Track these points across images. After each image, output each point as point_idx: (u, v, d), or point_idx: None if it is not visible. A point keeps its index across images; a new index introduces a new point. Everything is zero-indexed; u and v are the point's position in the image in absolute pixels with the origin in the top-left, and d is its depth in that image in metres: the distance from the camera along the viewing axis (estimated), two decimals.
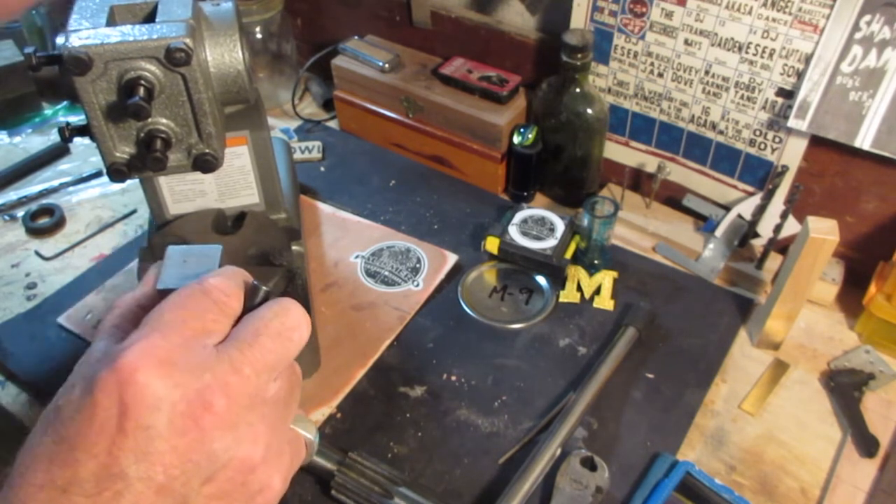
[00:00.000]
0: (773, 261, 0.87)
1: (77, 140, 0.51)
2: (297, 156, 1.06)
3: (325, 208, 0.98)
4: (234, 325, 0.36)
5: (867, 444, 0.70)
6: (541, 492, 0.67)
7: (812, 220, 0.69)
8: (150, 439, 0.31)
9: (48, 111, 1.16)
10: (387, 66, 1.02)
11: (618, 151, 0.98)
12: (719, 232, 0.90)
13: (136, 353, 0.32)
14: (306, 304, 0.71)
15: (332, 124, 1.14)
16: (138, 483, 0.31)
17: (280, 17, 1.10)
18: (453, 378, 0.77)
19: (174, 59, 0.46)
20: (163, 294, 0.36)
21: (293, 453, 0.38)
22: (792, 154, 0.83)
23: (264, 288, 0.38)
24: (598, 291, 0.85)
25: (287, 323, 0.36)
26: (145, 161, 0.49)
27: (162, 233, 0.68)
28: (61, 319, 0.83)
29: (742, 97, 0.83)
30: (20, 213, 0.98)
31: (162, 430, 0.31)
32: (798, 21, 0.75)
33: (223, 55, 0.53)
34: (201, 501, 0.33)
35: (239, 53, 0.53)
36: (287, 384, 0.37)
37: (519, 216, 0.89)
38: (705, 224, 0.93)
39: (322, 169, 1.05)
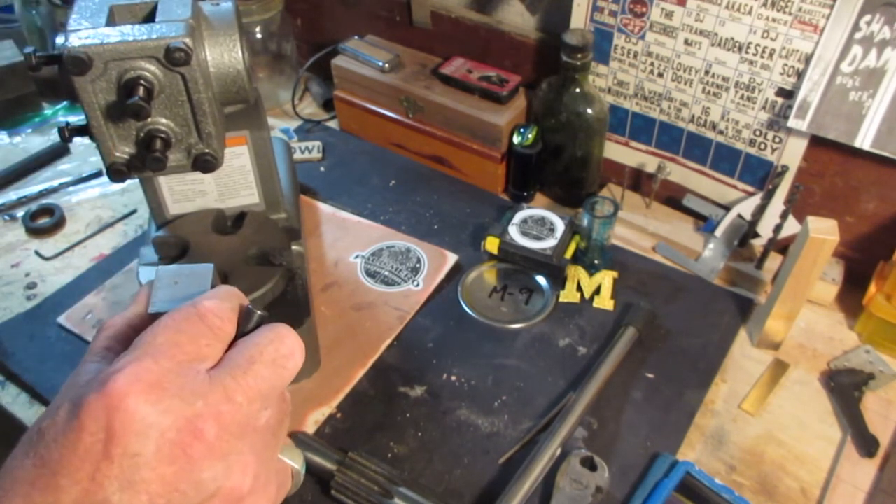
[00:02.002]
0: (773, 261, 0.87)
1: (77, 140, 0.51)
2: (297, 156, 1.06)
3: (325, 208, 0.98)
4: (227, 349, 0.35)
5: (867, 444, 0.70)
6: (541, 492, 0.67)
7: (812, 220, 0.69)
8: (136, 467, 0.30)
9: (48, 111, 1.16)
10: (387, 66, 1.02)
11: (618, 151, 0.98)
12: (719, 232, 0.90)
13: (127, 378, 0.30)
14: (306, 304, 0.71)
15: (332, 124, 1.14)
16: None
17: (280, 17, 1.10)
18: (453, 378, 0.77)
19: (174, 59, 0.46)
20: (154, 318, 0.35)
21: (279, 483, 0.37)
22: (792, 154, 0.83)
23: (259, 312, 0.37)
24: (598, 291, 0.85)
25: (282, 350, 0.35)
26: (145, 161, 0.49)
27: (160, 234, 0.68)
28: (61, 319, 0.83)
29: (742, 97, 0.83)
30: (20, 213, 0.98)
31: (149, 457, 0.30)
32: (798, 21, 0.75)
33: (223, 55, 0.53)
34: None
35: (239, 53, 0.53)
36: (278, 413, 0.36)
37: (519, 216, 0.89)
38: (705, 224, 0.93)
39: (322, 169, 1.05)
